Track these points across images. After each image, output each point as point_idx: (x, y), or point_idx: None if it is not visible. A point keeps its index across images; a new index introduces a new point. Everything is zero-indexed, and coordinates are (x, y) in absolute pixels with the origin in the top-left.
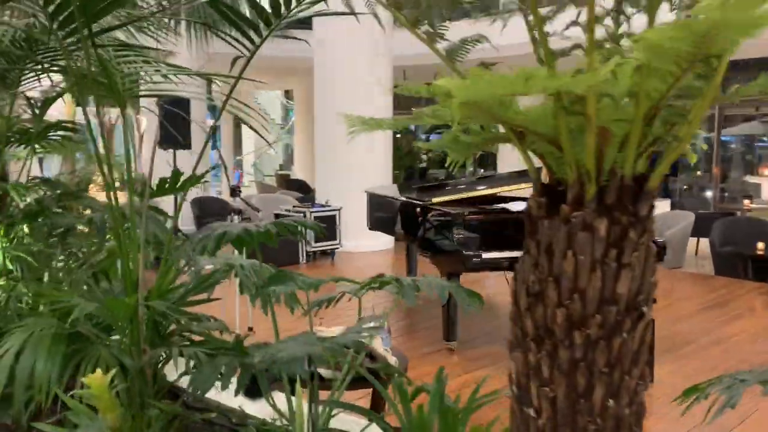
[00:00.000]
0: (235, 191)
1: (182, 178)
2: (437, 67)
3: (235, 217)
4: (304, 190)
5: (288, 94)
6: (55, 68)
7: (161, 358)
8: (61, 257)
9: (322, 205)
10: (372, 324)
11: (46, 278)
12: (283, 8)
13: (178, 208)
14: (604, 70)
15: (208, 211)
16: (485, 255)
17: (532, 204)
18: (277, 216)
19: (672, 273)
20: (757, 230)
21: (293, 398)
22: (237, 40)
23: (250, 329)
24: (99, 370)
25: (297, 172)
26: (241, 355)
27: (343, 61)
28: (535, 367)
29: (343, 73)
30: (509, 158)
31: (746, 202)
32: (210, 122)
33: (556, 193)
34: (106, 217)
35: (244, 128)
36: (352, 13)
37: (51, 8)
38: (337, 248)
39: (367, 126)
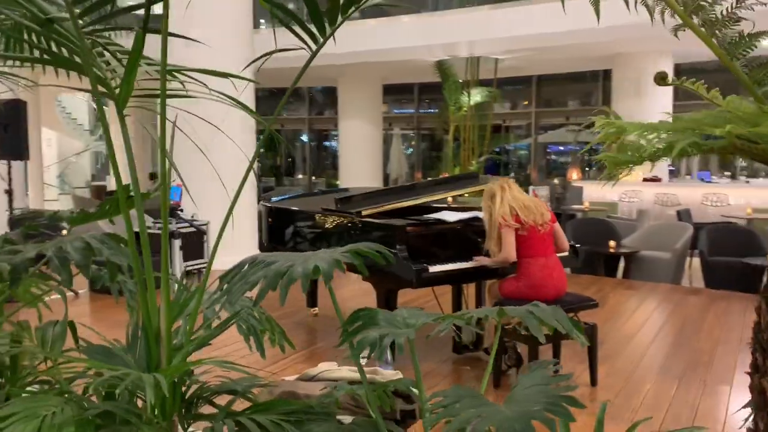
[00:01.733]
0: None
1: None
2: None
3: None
4: None
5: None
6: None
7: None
8: None
9: (188, 220)
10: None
11: None
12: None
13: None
14: None
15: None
16: (432, 269)
17: None
18: (137, 234)
19: None
20: (604, 229)
21: None
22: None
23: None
24: None
25: (114, 183)
26: (330, 419)
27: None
28: None
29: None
30: (349, 171)
31: (586, 203)
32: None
33: None
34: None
35: (44, 135)
36: (391, 3)
37: None
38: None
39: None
